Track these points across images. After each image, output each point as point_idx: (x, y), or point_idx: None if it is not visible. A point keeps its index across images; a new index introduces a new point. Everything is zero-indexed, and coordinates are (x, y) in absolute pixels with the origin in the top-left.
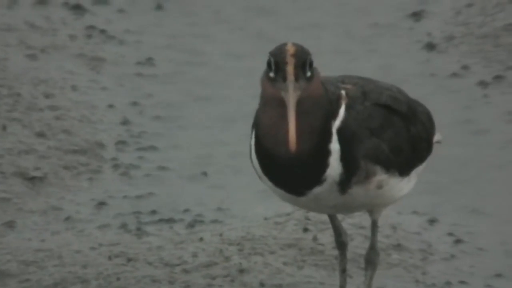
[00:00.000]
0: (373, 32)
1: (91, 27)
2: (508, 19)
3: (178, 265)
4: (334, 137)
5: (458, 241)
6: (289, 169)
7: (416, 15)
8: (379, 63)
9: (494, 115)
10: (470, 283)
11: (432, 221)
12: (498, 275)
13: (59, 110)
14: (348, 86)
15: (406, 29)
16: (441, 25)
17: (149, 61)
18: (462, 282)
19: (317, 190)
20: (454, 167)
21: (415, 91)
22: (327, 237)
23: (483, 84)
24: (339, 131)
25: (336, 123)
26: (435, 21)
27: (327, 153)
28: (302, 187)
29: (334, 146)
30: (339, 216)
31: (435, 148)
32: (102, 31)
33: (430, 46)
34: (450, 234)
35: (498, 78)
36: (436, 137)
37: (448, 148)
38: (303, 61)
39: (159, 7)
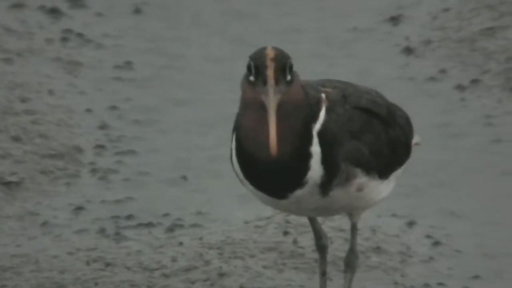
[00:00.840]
0: (351, 37)
1: (68, 31)
2: (484, 23)
3: (157, 269)
4: (315, 140)
5: (436, 243)
6: (271, 172)
7: (394, 20)
8: (357, 67)
9: (471, 119)
10: (448, 284)
11: (410, 224)
12: (476, 277)
13: (35, 114)
14: (328, 90)
15: (385, 33)
16: (418, 30)
17: (128, 65)
18: (440, 284)
19: (299, 193)
20: (432, 170)
21: (394, 95)
22: (307, 240)
23: (460, 88)
24: (320, 134)
25: (317, 126)
26: (412, 25)
27: (308, 156)
28: (283, 190)
29: (315, 148)
30: (319, 219)
31: (414, 152)
32: (79, 35)
33: (408, 50)
34: (429, 236)
35: (475, 82)
36: (415, 140)
37: (426, 151)
38: (283, 65)
39: (137, 10)
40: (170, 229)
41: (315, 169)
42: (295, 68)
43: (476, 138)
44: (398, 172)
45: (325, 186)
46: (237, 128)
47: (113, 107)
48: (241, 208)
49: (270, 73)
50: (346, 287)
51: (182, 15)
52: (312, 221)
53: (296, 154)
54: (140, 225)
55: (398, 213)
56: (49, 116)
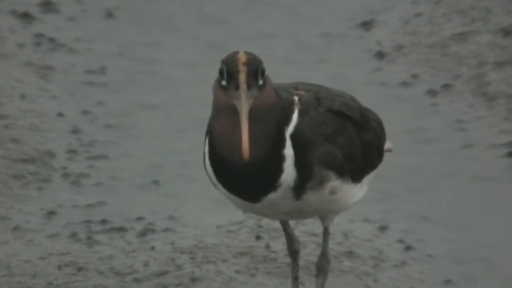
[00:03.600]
0: (323, 42)
1: (40, 35)
2: (456, 28)
3: (129, 274)
4: (288, 143)
5: (408, 248)
6: (244, 176)
7: (366, 25)
8: (330, 72)
9: (442, 124)
10: None
11: (383, 229)
12: (448, 282)
13: (7, 119)
14: (301, 92)
15: (356, 38)
16: (390, 35)
17: (100, 69)
18: None
19: (272, 196)
20: (404, 175)
21: (366, 99)
22: (280, 245)
23: (431, 92)
24: (293, 136)
25: (290, 129)
26: (384, 30)
27: (281, 159)
28: (257, 193)
29: (288, 151)
30: (292, 224)
31: (385, 157)
32: (51, 39)
33: (380, 55)
34: (401, 241)
35: (446, 86)
36: (387, 145)
37: (397, 156)
38: (255, 70)
39: (109, 15)
40: (142, 234)
41: (288, 172)
42: (267, 73)
43: (447, 143)
44: (371, 176)
45: (299, 189)
46: (210, 132)
47: (85, 112)
48: (213, 213)
49: (242, 77)
50: None
51: (154, 20)
52: (285, 226)
53: (269, 158)
54: (112, 229)
55: (371, 218)
56: (21, 121)
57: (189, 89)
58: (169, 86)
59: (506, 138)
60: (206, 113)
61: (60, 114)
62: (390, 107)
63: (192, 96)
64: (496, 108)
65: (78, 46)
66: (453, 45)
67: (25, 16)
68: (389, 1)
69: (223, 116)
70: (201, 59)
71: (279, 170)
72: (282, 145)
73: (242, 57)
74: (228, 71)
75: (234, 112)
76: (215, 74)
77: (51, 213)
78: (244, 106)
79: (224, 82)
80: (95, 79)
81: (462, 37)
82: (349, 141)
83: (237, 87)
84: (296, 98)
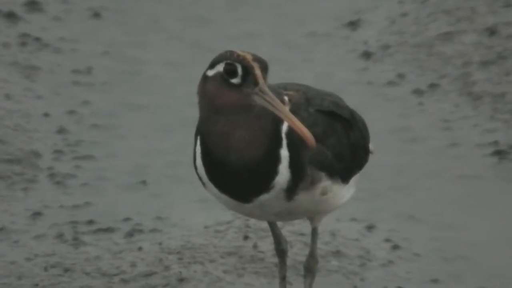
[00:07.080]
0: (310, 42)
1: (25, 35)
2: (442, 28)
3: (116, 275)
4: (284, 142)
5: (395, 247)
6: (238, 177)
7: (352, 25)
8: (316, 72)
9: (429, 123)
10: None
11: (370, 228)
12: (434, 280)
13: None
14: (291, 93)
15: (343, 38)
16: (376, 34)
17: (86, 69)
18: None
19: (264, 197)
20: (390, 175)
21: (352, 99)
22: (267, 245)
23: (418, 92)
24: (288, 135)
25: (284, 127)
26: (371, 30)
27: (277, 160)
28: (249, 194)
29: (284, 152)
30: (279, 224)
31: (371, 156)
32: (37, 39)
33: (366, 55)
34: (388, 240)
35: (432, 86)
36: (370, 147)
37: (384, 155)
38: (266, 65)
39: (95, 15)
40: (130, 234)
41: (283, 174)
42: None
43: (433, 142)
44: (357, 177)
45: (291, 190)
46: (203, 133)
47: (71, 112)
48: (200, 213)
49: (259, 73)
50: None
51: (140, 20)
52: (272, 226)
53: (266, 158)
54: (99, 230)
55: (358, 217)
56: (6, 121)
57: (175, 89)
58: (155, 86)
59: (491, 137)
60: (192, 112)
61: (46, 114)
62: (376, 106)
63: (178, 96)
64: (481, 108)
65: (64, 46)
66: (439, 44)
67: (10, 16)
68: (375, 1)
69: (222, 116)
70: (187, 59)
71: (274, 171)
72: (279, 143)
73: (248, 54)
74: (245, 68)
75: (238, 112)
76: (201, 74)
77: (37, 214)
78: (274, 98)
79: (236, 81)
80: (81, 79)
81: (448, 36)
82: (338, 142)
83: (255, 83)
84: (286, 98)
